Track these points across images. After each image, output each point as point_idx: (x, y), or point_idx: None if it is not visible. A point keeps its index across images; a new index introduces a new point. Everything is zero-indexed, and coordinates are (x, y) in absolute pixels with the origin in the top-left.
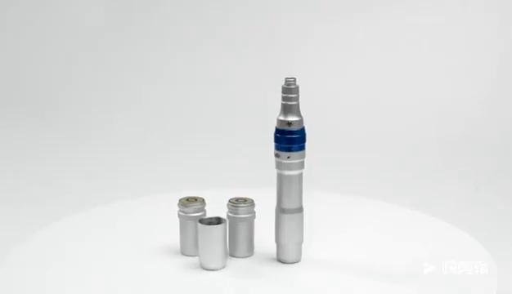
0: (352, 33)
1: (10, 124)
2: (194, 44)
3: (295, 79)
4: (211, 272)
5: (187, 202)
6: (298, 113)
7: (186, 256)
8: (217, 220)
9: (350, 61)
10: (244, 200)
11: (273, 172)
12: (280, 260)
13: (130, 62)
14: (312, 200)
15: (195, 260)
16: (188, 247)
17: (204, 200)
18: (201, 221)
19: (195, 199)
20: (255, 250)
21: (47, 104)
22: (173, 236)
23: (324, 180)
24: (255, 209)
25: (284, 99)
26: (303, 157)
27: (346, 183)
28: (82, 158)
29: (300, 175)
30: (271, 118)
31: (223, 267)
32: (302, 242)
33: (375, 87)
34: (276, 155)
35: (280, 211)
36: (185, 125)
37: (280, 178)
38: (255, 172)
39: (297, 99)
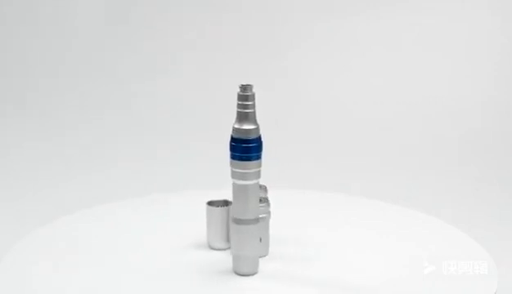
0: (352, 32)
1: (10, 124)
2: (194, 44)
3: (252, 86)
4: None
5: None
6: (255, 122)
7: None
8: (225, 204)
9: (349, 62)
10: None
11: (280, 173)
12: (234, 272)
13: (130, 62)
14: (312, 200)
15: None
16: None
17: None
18: (210, 204)
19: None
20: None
21: (47, 105)
22: (173, 236)
23: (324, 180)
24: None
25: (239, 106)
26: (259, 166)
27: (346, 183)
28: (81, 158)
29: (255, 186)
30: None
31: (228, 248)
32: (257, 255)
33: (375, 88)
34: (230, 164)
35: (234, 221)
36: (184, 125)
37: (235, 188)
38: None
39: (253, 106)
